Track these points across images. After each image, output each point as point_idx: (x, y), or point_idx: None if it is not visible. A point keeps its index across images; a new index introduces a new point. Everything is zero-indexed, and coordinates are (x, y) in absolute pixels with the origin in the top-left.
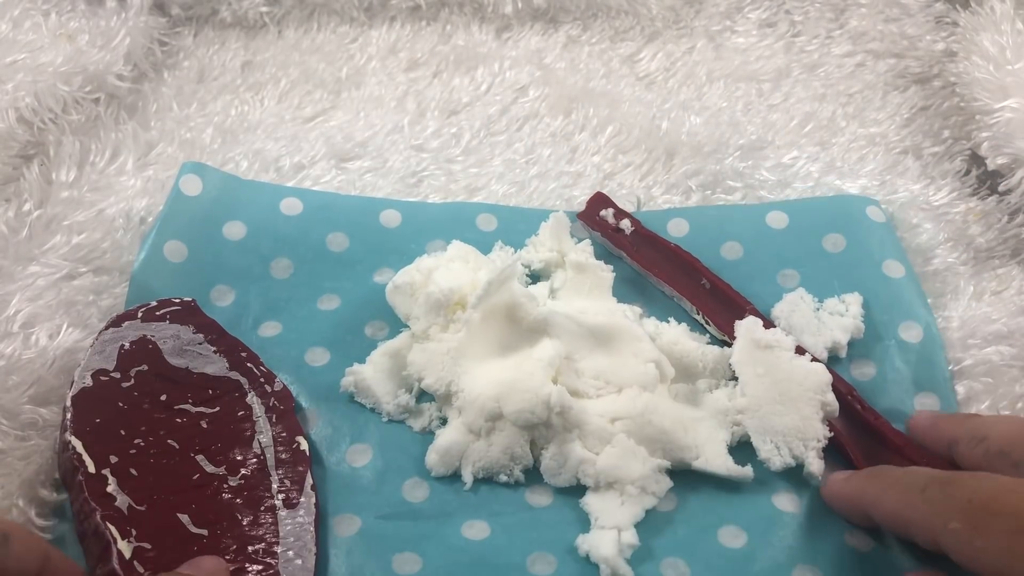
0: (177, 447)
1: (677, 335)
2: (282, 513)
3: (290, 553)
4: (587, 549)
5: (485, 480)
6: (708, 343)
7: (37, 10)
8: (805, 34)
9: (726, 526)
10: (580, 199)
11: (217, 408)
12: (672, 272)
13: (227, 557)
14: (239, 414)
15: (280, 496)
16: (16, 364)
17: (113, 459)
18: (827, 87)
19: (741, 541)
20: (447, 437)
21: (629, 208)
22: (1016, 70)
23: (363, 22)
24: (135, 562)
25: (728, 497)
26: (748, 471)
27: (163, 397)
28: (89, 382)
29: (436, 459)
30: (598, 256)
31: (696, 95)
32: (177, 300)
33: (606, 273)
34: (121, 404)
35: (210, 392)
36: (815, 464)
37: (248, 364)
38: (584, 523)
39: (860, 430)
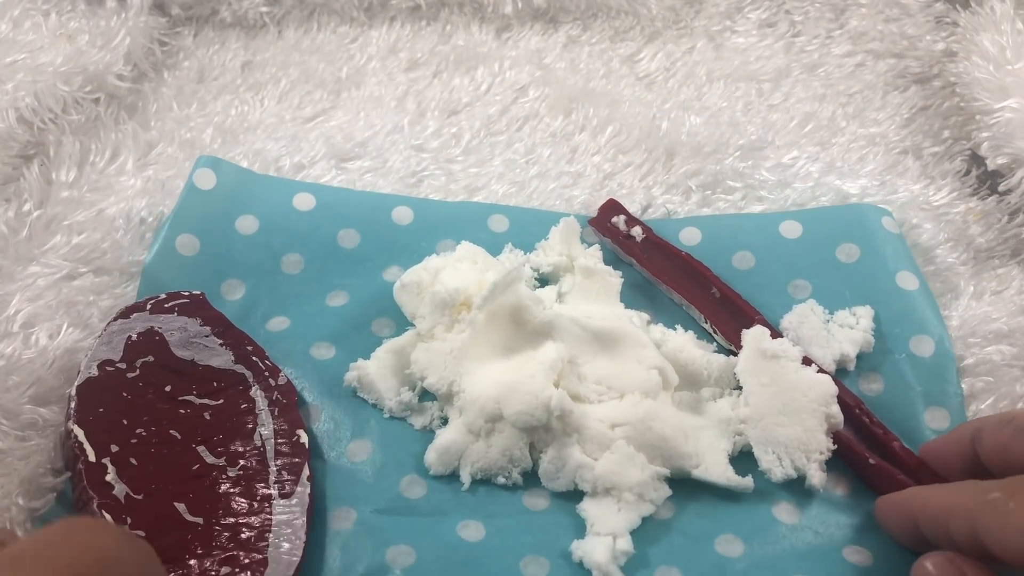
0: (179, 437)
1: (683, 342)
2: (277, 503)
3: (279, 541)
4: (581, 555)
5: (483, 481)
6: (715, 351)
7: (37, 10)
8: (805, 34)
9: (723, 535)
10: (580, 199)
11: (221, 400)
12: (682, 280)
13: (218, 543)
14: (242, 407)
15: (276, 486)
16: (16, 364)
17: (114, 448)
18: (827, 87)
19: (738, 550)
20: (447, 436)
21: (635, 211)
22: (1016, 70)
23: (363, 22)
24: None
25: (727, 506)
26: (748, 482)
27: (168, 388)
28: (95, 372)
29: (435, 458)
30: (607, 262)
31: (696, 95)
32: (186, 293)
33: (614, 279)
34: (125, 394)
35: (215, 384)
36: (816, 476)
37: (254, 358)
38: (580, 529)
39: (867, 443)
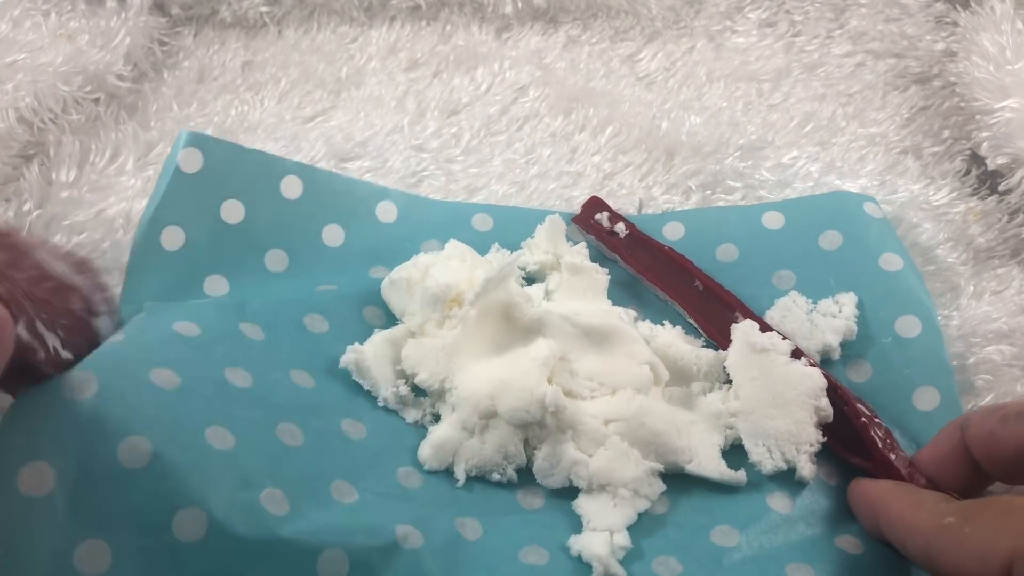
0: None
1: (671, 338)
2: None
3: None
4: (579, 549)
5: (478, 479)
6: (703, 346)
7: (37, 10)
8: (805, 34)
9: (719, 526)
10: (580, 199)
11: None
12: (665, 275)
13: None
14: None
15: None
16: None
17: None
18: (827, 87)
19: (734, 540)
20: (441, 433)
21: (630, 211)
22: (1016, 70)
23: (363, 22)
24: None
25: (721, 499)
26: (741, 476)
27: None
28: None
29: (430, 453)
30: (593, 259)
31: (696, 95)
32: None
33: (601, 276)
34: None
35: None
36: (806, 468)
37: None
38: (576, 527)
39: (852, 443)
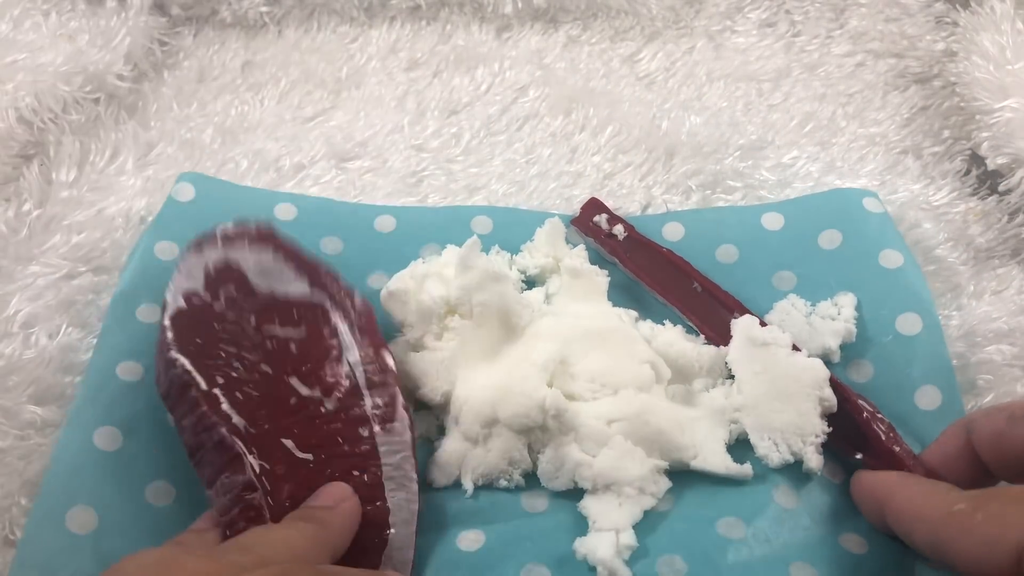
0: (271, 372)
1: (672, 337)
2: (380, 438)
3: (393, 484)
4: (584, 552)
5: (485, 487)
6: (704, 344)
7: (37, 10)
8: (805, 34)
9: (725, 518)
10: (580, 198)
11: (303, 328)
12: (662, 278)
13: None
14: (324, 333)
15: (376, 416)
16: (16, 364)
17: (219, 380)
18: (827, 87)
19: (740, 532)
20: (445, 448)
21: (632, 210)
22: (1016, 70)
23: (363, 22)
24: (262, 478)
25: (726, 492)
26: (747, 469)
27: (252, 320)
28: (183, 303)
29: (436, 471)
30: (593, 261)
31: (696, 95)
32: (254, 223)
33: (601, 278)
34: (216, 325)
35: (295, 315)
36: (814, 460)
37: (327, 282)
38: (580, 528)
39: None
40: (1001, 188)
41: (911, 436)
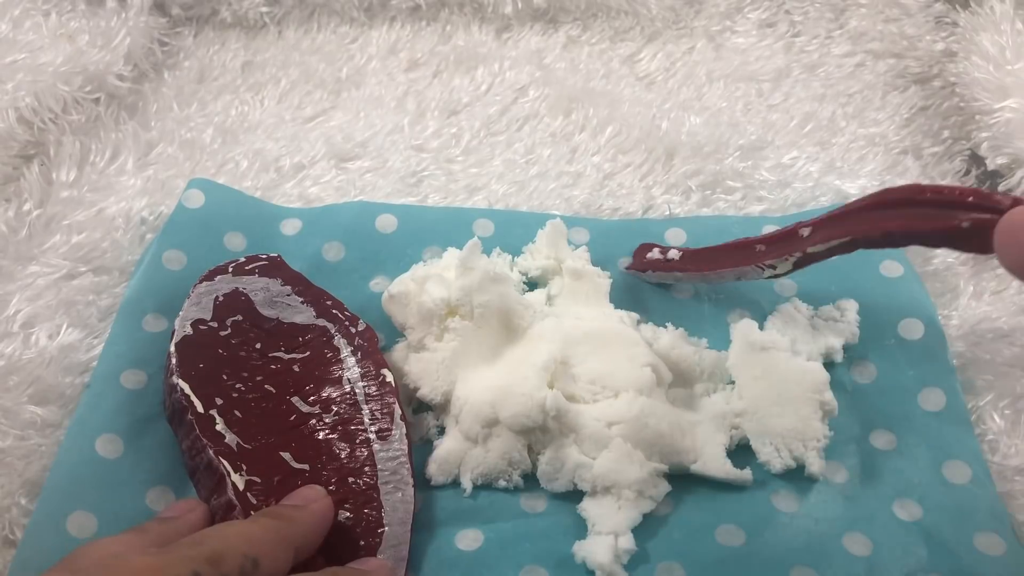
0: (273, 391)
1: (674, 340)
2: (376, 446)
3: (389, 487)
4: (583, 556)
5: (484, 487)
6: (706, 348)
7: (37, 10)
8: (805, 34)
9: (724, 525)
10: (580, 199)
11: (307, 353)
12: (730, 260)
13: (329, 489)
14: (327, 356)
15: (372, 429)
16: (16, 364)
17: (218, 401)
18: (827, 87)
19: (739, 540)
20: (445, 446)
21: (635, 211)
22: (1016, 70)
23: (363, 22)
24: (248, 493)
25: (725, 498)
26: (747, 474)
27: (258, 346)
28: (190, 330)
29: (435, 469)
30: (593, 263)
31: (696, 95)
32: (264, 256)
33: (603, 280)
34: (220, 351)
35: (300, 339)
36: (816, 464)
37: (334, 311)
38: (578, 530)
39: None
40: (1001, 188)
41: (915, 436)
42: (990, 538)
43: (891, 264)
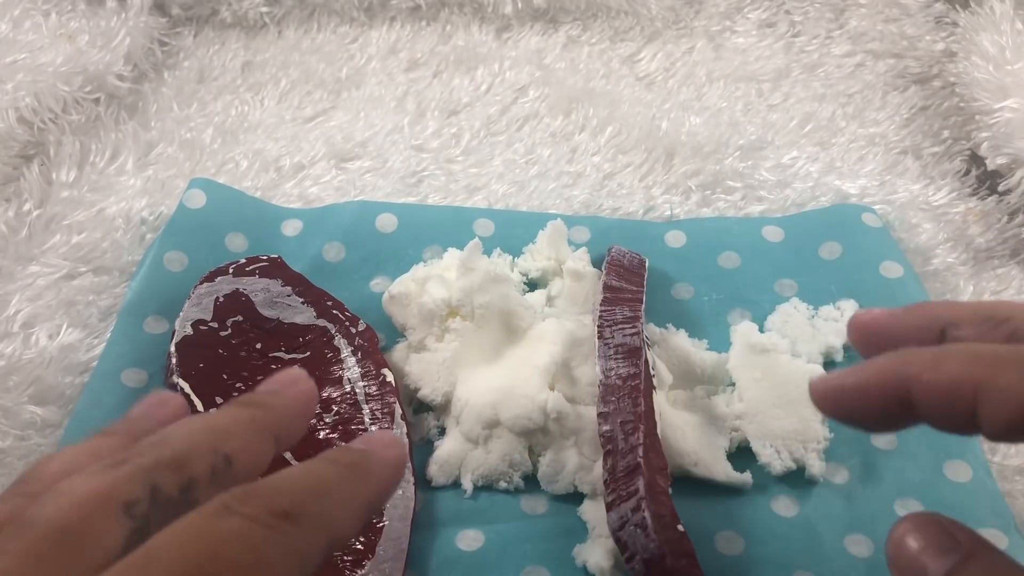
0: None
1: (675, 342)
2: None
3: None
4: (583, 559)
5: (484, 488)
6: (706, 349)
7: (37, 10)
8: (805, 34)
9: (723, 532)
10: (580, 199)
11: (308, 353)
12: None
13: None
14: (328, 356)
15: (373, 428)
16: (16, 364)
17: (219, 400)
18: (827, 87)
19: (738, 547)
20: (445, 447)
21: (635, 211)
22: (1016, 70)
23: (363, 22)
24: None
25: (725, 503)
26: (747, 477)
27: (258, 346)
28: (190, 331)
29: (436, 469)
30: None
31: (696, 95)
32: (264, 257)
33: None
34: (221, 351)
35: (300, 340)
36: (816, 466)
37: (334, 311)
38: (579, 532)
39: None
40: (1001, 188)
41: (916, 435)
42: (993, 535)
43: (891, 264)
